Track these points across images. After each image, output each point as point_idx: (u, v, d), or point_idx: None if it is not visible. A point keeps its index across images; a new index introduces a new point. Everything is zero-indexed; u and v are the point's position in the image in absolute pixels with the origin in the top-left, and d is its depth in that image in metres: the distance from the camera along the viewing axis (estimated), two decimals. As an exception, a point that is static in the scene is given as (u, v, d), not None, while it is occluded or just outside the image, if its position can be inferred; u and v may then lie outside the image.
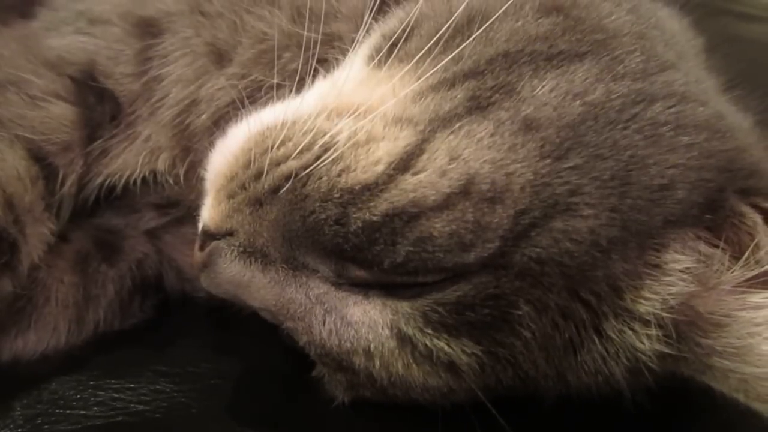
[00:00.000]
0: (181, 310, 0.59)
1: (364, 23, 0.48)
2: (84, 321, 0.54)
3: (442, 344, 0.39)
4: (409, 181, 0.37)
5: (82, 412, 0.45)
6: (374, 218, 0.37)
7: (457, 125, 0.38)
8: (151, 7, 0.57)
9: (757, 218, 0.40)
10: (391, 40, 0.45)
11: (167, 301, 0.59)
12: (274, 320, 0.44)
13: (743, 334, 0.38)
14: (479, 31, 0.40)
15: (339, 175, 0.39)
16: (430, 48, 0.42)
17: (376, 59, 0.45)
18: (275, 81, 0.50)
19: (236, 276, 0.42)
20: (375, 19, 0.52)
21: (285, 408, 0.47)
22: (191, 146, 0.53)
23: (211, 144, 0.48)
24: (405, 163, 0.38)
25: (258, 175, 0.41)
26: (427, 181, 0.37)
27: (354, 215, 0.38)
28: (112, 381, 0.48)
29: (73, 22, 0.59)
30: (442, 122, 0.38)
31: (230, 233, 0.42)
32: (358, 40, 0.47)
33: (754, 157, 0.42)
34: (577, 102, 0.38)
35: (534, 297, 0.38)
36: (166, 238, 0.59)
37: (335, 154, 0.40)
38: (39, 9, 0.64)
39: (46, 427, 0.44)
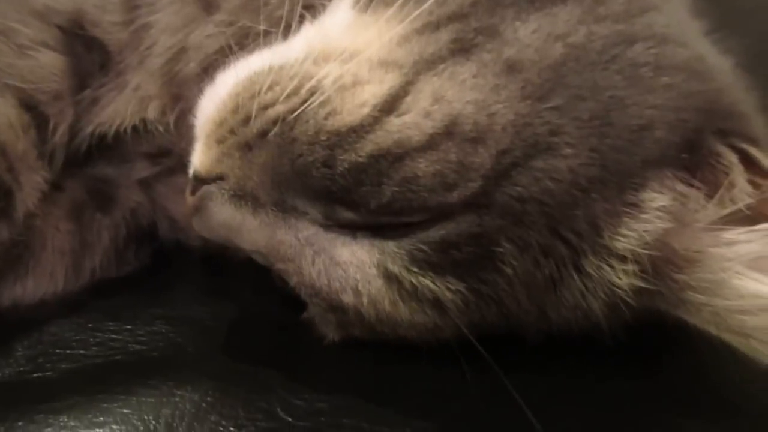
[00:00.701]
0: (176, 257, 0.60)
1: None
2: (80, 267, 0.55)
3: (427, 282, 0.40)
4: (393, 122, 0.38)
5: (82, 351, 0.47)
6: (360, 160, 0.38)
7: (441, 67, 0.39)
8: None
9: (734, 158, 0.41)
10: None
11: (162, 249, 0.61)
12: (265, 262, 0.45)
13: (716, 269, 0.40)
14: None
15: (325, 118, 0.40)
16: None
17: (362, 3, 0.46)
18: (262, 28, 0.50)
19: (227, 219, 0.43)
20: None
21: (277, 347, 0.49)
22: (181, 94, 0.54)
23: (201, 91, 0.48)
24: (390, 105, 0.38)
25: (246, 120, 0.42)
26: (411, 122, 0.38)
27: (340, 157, 0.39)
28: (110, 323, 0.50)
29: None
30: (426, 64, 0.39)
31: (221, 177, 0.43)
32: None
33: (732, 99, 0.43)
34: (559, 44, 0.39)
35: (516, 235, 0.39)
36: (159, 187, 0.60)
37: (322, 98, 0.40)
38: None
39: (48, 365, 0.45)
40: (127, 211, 0.59)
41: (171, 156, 0.58)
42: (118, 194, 0.59)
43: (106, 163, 0.59)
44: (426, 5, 0.41)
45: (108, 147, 0.57)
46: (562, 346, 0.44)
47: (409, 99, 0.38)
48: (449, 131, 0.37)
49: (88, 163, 0.58)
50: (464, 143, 0.37)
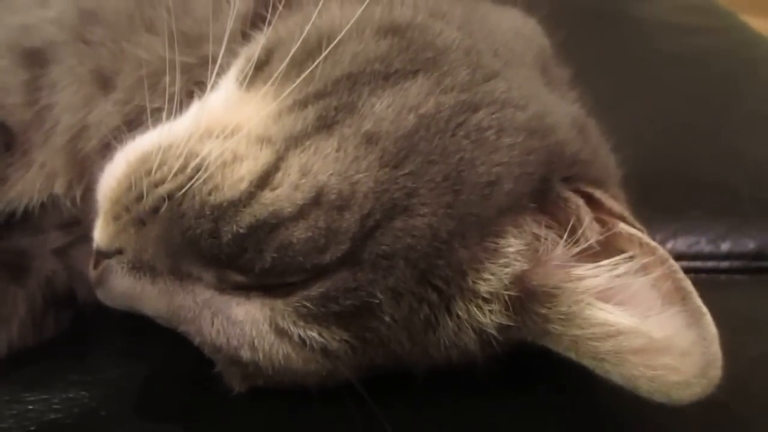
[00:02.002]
0: (95, 319, 0.62)
1: (223, 45, 0.52)
2: (-2, 342, 0.57)
3: (314, 333, 0.44)
4: (267, 196, 0.42)
5: (5, 424, 0.49)
6: (241, 230, 0.42)
7: (308, 143, 0.43)
8: (36, 38, 0.59)
9: (579, 201, 0.47)
10: (255, 62, 0.50)
11: (82, 312, 0.63)
12: (169, 326, 0.48)
13: (570, 302, 0.45)
14: (325, 53, 0.45)
15: (209, 194, 0.44)
16: (287, 70, 0.47)
17: (244, 81, 0.50)
18: (156, 105, 0.54)
19: (128, 290, 0.46)
20: (247, 39, 0.57)
21: (189, 402, 0.52)
22: (85, 169, 0.56)
23: (103, 167, 0.52)
24: (263, 180, 0.42)
25: (139, 198, 0.46)
26: (282, 195, 0.42)
27: (224, 229, 0.43)
28: (26, 394, 0.52)
29: None
30: (295, 141, 0.43)
31: (119, 251, 0.46)
32: (219, 63, 0.51)
33: (574, 148, 0.48)
34: (411, 115, 0.43)
35: (388, 286, 0.43)
36: (74, 254, 0.62)
37: (205, 175, 0.44)
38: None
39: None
40: (42, 280, 0.61)
41: (82, 225, 0.60)
42: (33, 265, 0.61)
43: (19, 235, 0.61)
44: (294, 85, 0.45)
45: (20, 220, 0.60)
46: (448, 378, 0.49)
47: (280, 174, 0.42)
48: (317, 201, 0.41)
49: (0, 237, 0.60)
50: (331, 211, 0.41)
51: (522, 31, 0.59)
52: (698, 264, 0.79)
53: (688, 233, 0.80)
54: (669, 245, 0.79)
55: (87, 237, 0.61)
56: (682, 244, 0.80)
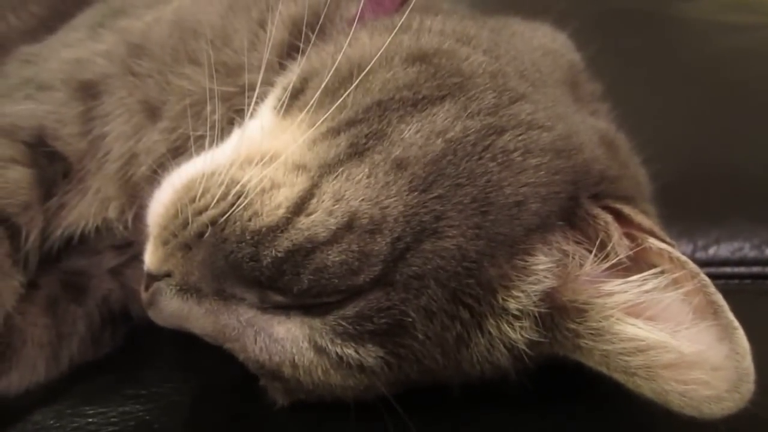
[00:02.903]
0: (149, 335, 0.66)
1: (260, 75, 0.54)
2: (59, 357, 0.61)
3: (350, 351, 0.46)
4: (303, 222, 0.44)
5: (66, 437, 0.53)
6: (279, 254, 0.45)
7: (340, 170, 0.45)
8: (89, 71, 0.64)
9: (608, 217, 0.48)
10: (290, 91, 0.52)
11: (136, 328, 0.67)
12: (215, 343, 0.51)
13: (600, 318, 0.46)
14: (356, 82, 0.47)
15: (249, 220, 0.46)
16: (321, 98, 0.49)
17: (281, 109, 0.53)
18: (200, 133, 0.57)
19: (176, 310, 0.49)
20: (284, 67, 0.59)
21: (235, 415, 0.55)
22: (136, 194, 0.60)
23: (151, 192, 0.55)
24: (299, 207, 0.45)
25: (185, 224, 0.49)
26: (317, 220, 0.44)
27: (264, 253, 0.45)
28: (87, 408, 0.55)
29: (23, 89, 0.65)
30: (328, 168, 0.46)
31: (168, 274, 0.49)
32: (257, 92, 0.53)
33: (602, 165, 0.49)
34: (439, 140, 0.45)
35: (420, 305, 0.45)
36: (128, 273, 0.66)
37: (246, 201, 0.47)
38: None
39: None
40: (99, 299, 0.65)
41: (134, 246, 0.64)
42: (90, 284, 0.65)
43: (78, 257, 0.65)
44: (328, 113, 0.47)
45: (77, 243, 0.64)
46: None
47: (314, 200, 0.44)
48: (350, 226, 0.43)
49: (60, 259, 0.64)
50: (363, 235, 0.43)
51: (551, 48, 0.60)
52: (743, 270, 0.78)
53: (731, 239, 0.80)
54: (712, 251, 0.79)
55: (139, 257, 0.65)
56: (725, 250, 0.79)
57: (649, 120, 0.68)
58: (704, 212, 0.81)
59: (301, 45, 0.55)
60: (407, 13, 0.53)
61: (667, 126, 0.95)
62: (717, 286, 0.44)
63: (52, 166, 0.61)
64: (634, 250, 0.47)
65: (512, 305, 0.46)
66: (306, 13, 0.62)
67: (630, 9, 1.30)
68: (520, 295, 0.46)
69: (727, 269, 0.79)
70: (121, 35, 0.66)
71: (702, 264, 0.46)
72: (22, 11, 0.79)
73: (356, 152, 0.45)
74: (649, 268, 0.46)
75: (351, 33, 0.51)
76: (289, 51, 0.59)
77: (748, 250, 0.79)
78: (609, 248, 0.47)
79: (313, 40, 0.54)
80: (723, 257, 0.79)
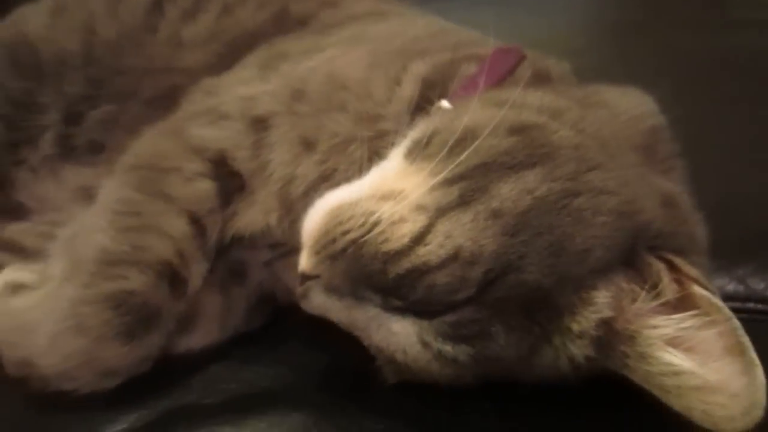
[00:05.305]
0: (289, 315, 0.84)
1: (395, 124, 0.70)
2: (226, 326, 0.79)
3: (448, 348, 0.61)
4: (421, 251, 0.59)
5: (232, 385, 0.71)
6: (401, 272, 0.59)
7: (451, 214, 0.59)
8: (260, 108, 0.79)
9: (661, 266, 0.60)
10: (419, 143, 0.67)
11: (280, 308, 0.85)
12: (347, 330, 0.68)
13: (645, 345, 0.58)
14: (471, 147, 0.61)
15: (381, 244, 0.60)
16: (443, 153, 0.64)
17: (410, 156, 0.67)
18: (344, 167, 0.73)
19: (322, 303, 0.65)
20: (413, 118, 0.74)
21: (355, 385, 0.71)
22: (292, 208, 0.75)
23: (305, 208, 0.69)
24: (419, 239, 0.59)
25: (333, 240, 0.63)
26: (431, 251, 0.58)
27: (390, 269, 0.60)
28: (245, 366, 0.74)
29: (207, 116, 0.80)
30: (443, 211, 0.59)
31: (317, 276, 0.66)
32: (391, 139, 0.69)
33: (660, 224, 0.61)
34: (528, 197, 0.58)
35: (503, 320, 0.59)
36: (278, 265, 0.83)
37: (379, 229, 0.61)
38: (181, 102, 0.90)
39: (212, 393, 0.70)
40: (255, 283, 0.83)
41: (285, 245, 0.82)
42: (249, 272, 0.83)
43: (241, 250, 0.83)
44: (446, 168, 0.61)
45: (242, 240, 0.82)
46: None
47: (430, 236, 0.59)
48: (455, 257, 0.58)
49: (229, 251, 0.83)
50: (464, 265, 0.58)
51: (633, 115, 0.71)
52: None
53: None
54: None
55: (287, 253, 0.83)
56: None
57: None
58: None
59: (427, 106, 0.70)
60: (518, 90, 0.66)
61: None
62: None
63: (231, 181, 0.78)
64: (680, 294, 0.59)
65: (575, 327, 0.59)
66: (432, 71, 0.77)
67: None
68: (582, 320, 0.59)
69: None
70: (285, 79, 0.82)
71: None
72: (208, 48, 0.98)
73: (464, 201, 0.59)
74: (692, 309, 0.58)
75: (468, 104, 0.66)
76: (419, 104, 0.74)
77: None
78: (659, 290, 0.59)
79: (436, 102, 0.69)
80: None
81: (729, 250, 0.90)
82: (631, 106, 0.73)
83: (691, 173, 0.75)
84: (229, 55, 0.96)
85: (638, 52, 1.49)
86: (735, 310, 0.88)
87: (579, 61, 0.88)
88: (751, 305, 0.87)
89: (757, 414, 0.54)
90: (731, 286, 0.89)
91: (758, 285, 0.89)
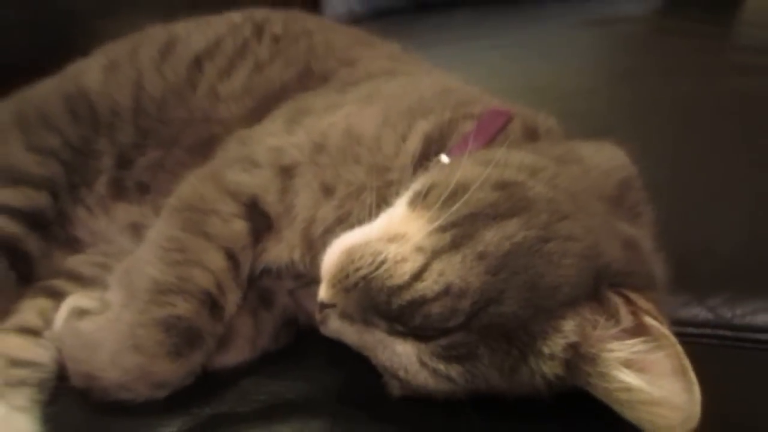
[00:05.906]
0: (310, 335, 0.96)
1: (400, 176, 0.83)
2: (256, 346, 0.91)
3: (441, 367, 0.73)
4: (419, 286, 0.71)
5: (261, 397, 0.83)
6: (403, 303, 0.72)
7: (444, 256, 0.71)
8: (287, 158, 0.92)
9: (618, 300, 0.71)
10: (419, 194, 0.80)
11: (302, 331, 0.98)
12: (358, 350, 0.80)
13: (604, 366, 0.70)
14: (462, 199, 0.74)
15: (386, 279, 0.73)
16: (438, 203, 0.77)
17: (412, 204, 0.80)
18: (358, 211, 0.86)
19: (338, 328, 0.78)
20: (416, 170, 0.88)
21: (367, 397, 0.84)
22: (313, 245, 0.88)
23: (324, 246, 0.79)
24: (417, 276, 0.71)
25: (347, 276, 0.74)
26: (427, 286, 0.71)
27: (393, 300, 0.73)
28: (272, 380, 0.85)
29: (240, 163, 0.90)
30: (437, 253, 0.71)
31: (333, 305, 0.79)
32: (397, 188, 0.82)
33: (618, 264, 0.73)
34: (507, 242, 0.70)
35: (487, 343, 0.71)
36: (300, 293, 0.96)
37: (385, 267, 0.74)
38: (217, 150, 1.03)
39: (244, 404, 0.82)
40: (280, 309, 0.96)
41: (307, 276, 0.94)
42: (275, 299, 0.96)
43: (268, 280, 0.97)
44: (443, 216, 0.74)
45: (270, 272, 0.95)
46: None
47: (427, 273, 0.71)
48: (447, 291, 0.70)
49: (259, 280, 0.96)
50: (455, 297, 0.70)
51: (605, 169, 0.84)
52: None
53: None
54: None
55: (309, 283, 0.95)
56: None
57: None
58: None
59: (426, 162, 0.83)
60: (503, 149, 0.79)
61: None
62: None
63: (261, 221, 0.90)
64: (635, 323, 0.71)
65: (547, 350, 0.71)
66: (433, 129, 0.90)
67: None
68: (553, 344, 0.71)
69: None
70: (308, 133, 0.94)
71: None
72: (241, 102, 1.12)
73: (455, 245, 0.71)
74: (644, 336, 0.70)
75: (461, 161, 0.79)
76: (422, 157, 0.88)
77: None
78: (617, 319, 0.71)
79: (433, 159, 0.82)
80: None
81: (701, 283, 1.03)
82: (603, 161, 0.85)
83: (678, 213, 0.85)
84: (260, 108, 1.09)
85: (643, 95, 1.60)
86: (706, 337, 1.02)
87: (586, 104, 0.99)
88: (720, 332, 1.00)
89: (692, 424, 0.65)
90: (703, 315, 1.01)
91: (727, 314, 1.01)
